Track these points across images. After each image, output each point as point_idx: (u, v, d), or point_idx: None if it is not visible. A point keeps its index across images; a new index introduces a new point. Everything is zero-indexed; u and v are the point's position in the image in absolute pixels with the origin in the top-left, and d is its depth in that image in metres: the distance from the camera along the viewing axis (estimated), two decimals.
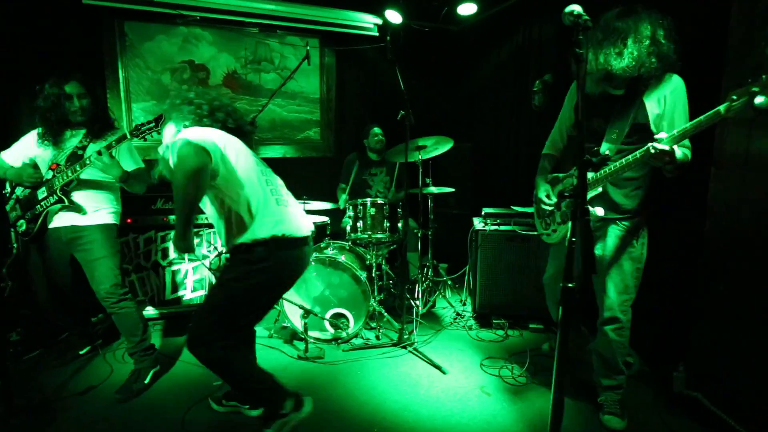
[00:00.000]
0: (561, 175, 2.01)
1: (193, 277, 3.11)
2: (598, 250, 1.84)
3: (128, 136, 2.12)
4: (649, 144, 1.49)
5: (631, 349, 2.37)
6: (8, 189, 2.31)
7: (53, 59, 3.13)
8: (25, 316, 2.73)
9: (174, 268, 3.06)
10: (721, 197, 1.81)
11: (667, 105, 1.63)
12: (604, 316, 1.86)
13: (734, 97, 1.31)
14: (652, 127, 1.65)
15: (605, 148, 1.68)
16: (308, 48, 2.98)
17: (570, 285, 1.13)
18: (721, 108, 1.34)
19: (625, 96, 1.69)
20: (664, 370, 2.14)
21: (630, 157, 1.59)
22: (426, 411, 2.05)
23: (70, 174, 2.12)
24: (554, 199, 1.97)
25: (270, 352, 2.64)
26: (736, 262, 1.78)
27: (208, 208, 1.70)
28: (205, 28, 3.59)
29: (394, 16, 3.57)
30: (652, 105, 1.65)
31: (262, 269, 1.64)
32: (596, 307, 1.92)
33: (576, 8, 1.12)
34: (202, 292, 3.12)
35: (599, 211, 1.57)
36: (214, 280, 2.98)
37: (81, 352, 2.60)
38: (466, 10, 3.55)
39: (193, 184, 1.47)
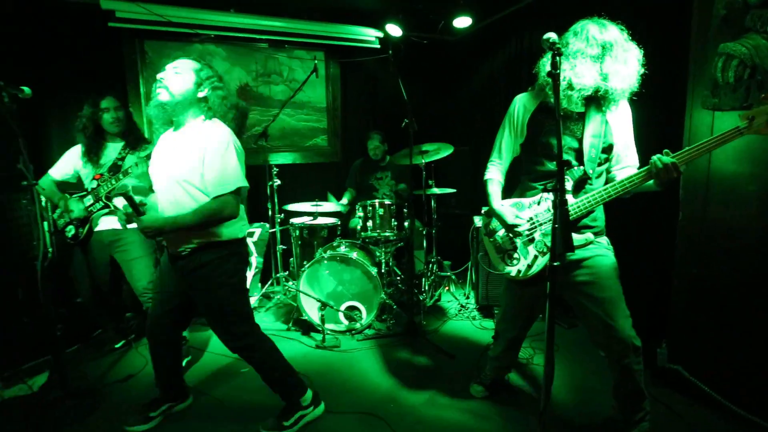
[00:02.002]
0: (525, 199, 1.80)
1: None
2: (586, 276, 1.70)
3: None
4: (661, 161, 1.48)
5: None
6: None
7: (79, 76, 3.38)
8: (63, 315, 2.97)
9: None
10: (691, 191, 2.05)
11: (624, 126, 1.69)
12: (618, 349, 1.67)
13: (752, 117, 1.38)
14: (615, 147, 1.68)
15: (589, 167, 1.66)
16: (315, 61, 3.24)
17: (556, 264, 1.36)
18: (741, 125, 1.41)
19: (586, 113, 1.68)
20: (650, 348, 2.36)
21: (641, 171, 1.54)
22: (436, 389, 2.28)
23: (113, 183, 2.38)
24: (526, 224, 1.76)
25: (290, 343, 2.87)
26: (705, 248, 2.01)
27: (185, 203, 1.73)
28: (219, 45, 3.84)
29: (394, 30, 3.82)
30: (614, 125, 1.67)
31: (245, 259, 1.93)
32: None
33: (552, 36, 1.35)
34: None
35: (590, 236, 1.67)
36: None
37: (116, 346, 2.83)
38: (462, 23, 3.80)
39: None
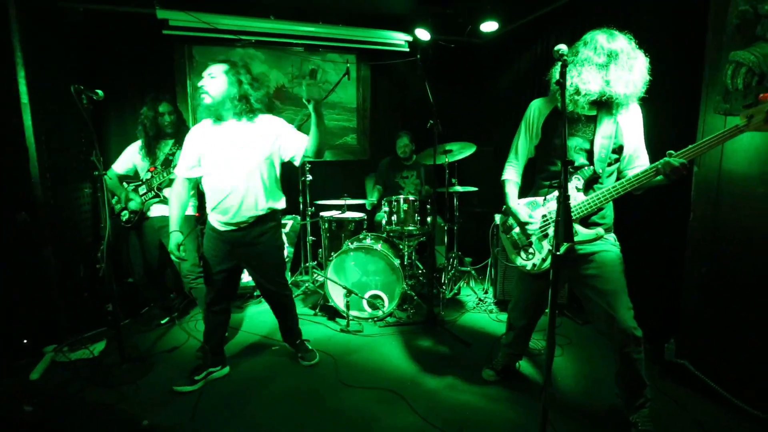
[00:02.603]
0: (539, 198, 1.94)
1: None
2: (593, 270, 1.82)
3: None
4: (670, 159, 1.58)
5: None
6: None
7: (135, 79, 3.77)
8: (116, 292, 3.31)
9: None
10: (702, 192, 2.12)
11: (634, 129, 1.80)
12: (620, 339, 1.78)
13: (750, 116, 1.45)
14: (625, 148, 1.79)
15: (599, 166, 1.77)
16: (348, 65, 3.46)
17: (559, 253, 1.50)
18: (740, 123, 1.48)
19: (597, 117, 1.79)
20: (660, 343, 2.44)
21: (648, 168, 1.64)
22: (451, 373, 2.44)
23: (165, 175, 2.68)
24: (539, 221, 1.91)
25: (316, 326, 3.10)
26: (715, 248, 2.08)
27: (258, 175, 2.17)
28: (258, 49, 4.13)
29: (423, 34, 3.98)
30: (625, 127, 1.78)
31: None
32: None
33: (562, 47, 1.49)
34: None
35: (601, 230, 1.79)
36: None
37: (162, 322, 3.15)
38: (488, 27, 3.92)
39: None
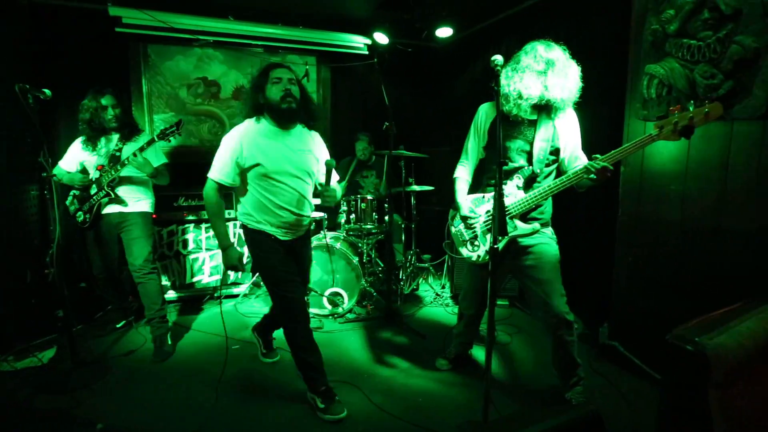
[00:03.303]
0: (485, 194, 2.10)
1: (210, 263, 3.62)
2: (531, 261, 1.99)
3: (155, 139, 2.62)
4: (592, 162, 1.76)
5: (576, 316, 2.92)
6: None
7: (87, 76, 3.62)
8: (67, 297, 3.21)
9: (192, 256, 3.57)
10: (628, 190, 2.36)
11: (571, 132, 1.98)
12: (553, 323, 1.97)
13: (661, 126, 1.64)
14: (562, 151, 1.98)
15: (537, 167, 1.95)
16: (307, 66, 3.52)
17: (497, 246, 1.65)
18: (653, 132, 1.67)
19: (537, 121, 1.96)
20: (596, 328, 2.67)
21: (579, 169, 1.80)
22: (408, 363, 2.57)
23: (113, 173, 2.64)
24: (481, 216, 2.06)
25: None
26: (639, 239, 2.32)
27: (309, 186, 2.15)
28: (217, 49, 4.11)
29: (381, 38, 4.10)
30: (562, 131, 1.96)
31: None
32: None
33: (498, 58, 1.64)
34: (217, 277, 3.63)
35: (537, 225, 1.99)
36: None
37: (117, 326, 3.09)
38: (444, 33, 4.09)
39: None
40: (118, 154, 2.71)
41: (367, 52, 4.46)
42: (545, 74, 1.85)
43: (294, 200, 2.06)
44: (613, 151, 1.78)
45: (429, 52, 4.82)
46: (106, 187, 2.67)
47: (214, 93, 4.18)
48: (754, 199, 1.82)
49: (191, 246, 3.57)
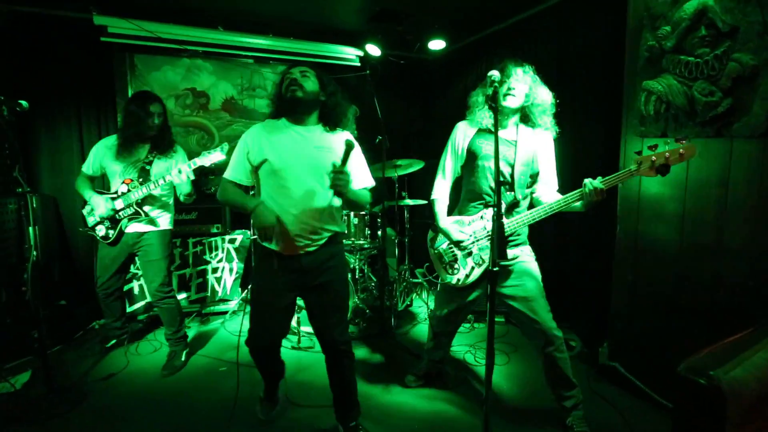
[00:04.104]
0: (465, 217, 2.04)
1: (197, 280, 3.50)
2: (513, 281, 1.95)
3: (191, 163, 2.46)
4: (592, 184, 1.70)
5: (573, 334, 2.86)
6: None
7: (71, 87, 3.53)
8: (46, 316, 3.06)
9: (179, 272, 3.45)
10: (626, 208, 2.32)
11: (549, 157, 1.97)
12: (543, 340, 1.93)
13: (640, 162, 1.65)
14: (541, 174, 1.97)
15: (519, 192, 1.93)
16: None
17: (495, 269, 1.58)
18: (632, 168, 1.68)
19: (516, 141, 1.94)
20: (596, 347, 2.61)
21: (570, 196, 1.76)
22: (401, 386, 2.47)
23: (145, 190, 2.48)
24: (469, 239, 2.00)
25: None
26: (638, 258, 2.28)
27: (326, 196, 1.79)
28: (206, 60, 4.02)
29: (373, 50, 4.06)
30: (540, 157, 1.95)
31: None
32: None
33: (495, 74, 1.59)
34: (204, 294, 3.51)
35: (518, 252, 1.96)
36: None
37: (107, 345, 2.90)
38: (436, 45, 4.07)
39: None
40: (148, 167, 2.56)
41: (359, 64, 4.42)
42: (518, 84, 1.89)
43: (302, 203, 1.75)
44: (608, 177, 1.73)
45: (421, 64, 4.80)
46: (134, 206, 2.53)
47: (203, 104, 4.09)
48: (755, 218, 1.78)
49: (177, 262, 3.45)
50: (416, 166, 3.54)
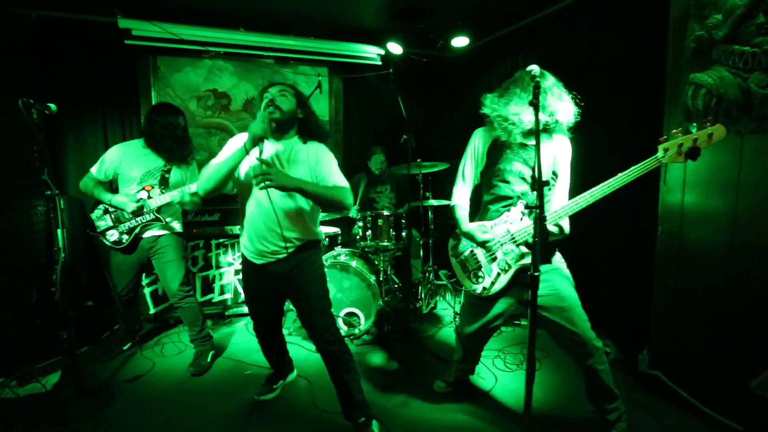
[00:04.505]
0: (487, 222, 1.97)
1: (220, 282, 3.49)
2: (546, 289, 1.80)
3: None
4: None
5: (608, 339, 2.74)
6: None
7: (96, 89, 3.57)
8: (74, 317, 3.09)
9: (202, 274, 3.44)
10: (668, 208, 2.19)
11: (566, 161, 1.91)
12: (581, 352, 1.82)
13: (666, 149, 1.59)
14: (559, 176, 1.90)
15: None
16: (320, 77, 3.41)
17: (536, 274, 1.50)
18: (659, 156, 1.62)
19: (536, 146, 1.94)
20: (634, 355, 2.49)
21: (598, 195, 1.70)
22: (429, 391, 2.40)
23: (165, 198, 2.54)
24: (497, 245, 1.91)
25: (291, 347, 2.95)
26: (682, 260, 2.15)
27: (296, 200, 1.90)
28: (227, 61, 4.02)
29: (395, 48, 4.00)
30: (559, 158, 1.89)
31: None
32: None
33: (535, 68, 1.51)
34: (228, 295, 3.50)
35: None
36: None
37: (124, 348, 2.95)
38: (459, 42, 3.98)
39: None
40: (167, 176, 2.61)
41: (380, 63, 4.36)
42: (553, 100, 1.77)
43: (270, 213, 1.84)
44: (618, 175, 1.67)
45: (443, 62, 4.71)
46: (154, 212, 2.57)
47: (225, 105, 4.09)
48: None
49: (201, 263, 3.45)
50: (441, 166, 3.46)
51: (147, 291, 3.32)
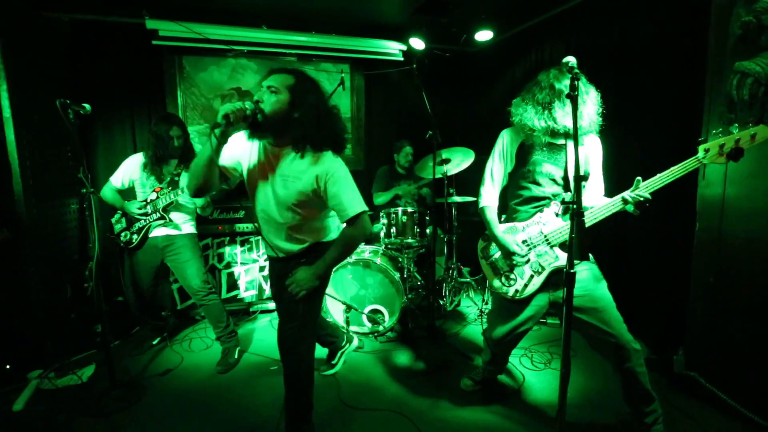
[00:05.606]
0: (518, 223, 1.92)
1: (245, 278, 3.54)
2: (579, 290, 1.73)
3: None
4: (633, 193, 1.65)
5: (638, 339, 2.66)
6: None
7: (124, 90, 3.66)
8: (106, 312, 3.18)
9: (227, 271, 3.50)
10: (708, 202, 2.10)
11: (598, 159, 1.87)
12: (619, 355, 1.76)
13: (707, 149, 1.56)
14: (591, 176, 1.86)
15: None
16: (342, 75, 3.40)
17: (572, 271, 1.45)
18: (699, 156, 1.58)
19: (564, 144, 1.84)
20: (668, 355, 2.41)
21: (617, 200, 1.69)
22: (457, 390, 2.38)
23: (171, 197, 2.60)
24: (525, 250, 1.88)
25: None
26: (722, 258, 2.06)
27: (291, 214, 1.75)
28: (251, 59, 4.06)
29: (417, 43, 3.95)
30: (591, 158, 1.85)
31: None
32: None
33: (571, 59, 1.46)
34: (253, 292, 3.54)
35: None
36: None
37: (153, 343, 3.02)
38: (483, 36, 3.91)
39: None
40: (177, 178, 2.68)
41: (402, 59, 4.32)
42: (563, 105, 1.73)
43: (266, 219, 1.79)
44: (656, 177, 1.63)
45: (467, 57, 4.65)
46: (160, 211, 2.64)
47: None
48: None
49: (226, 260, 3.50)
50: (466, 157, 3.41)
51: (174, 287, 3.39)
